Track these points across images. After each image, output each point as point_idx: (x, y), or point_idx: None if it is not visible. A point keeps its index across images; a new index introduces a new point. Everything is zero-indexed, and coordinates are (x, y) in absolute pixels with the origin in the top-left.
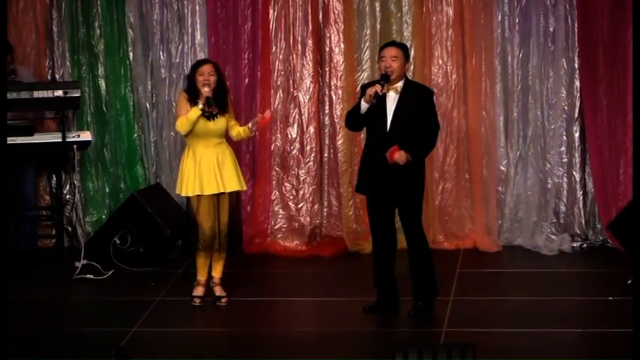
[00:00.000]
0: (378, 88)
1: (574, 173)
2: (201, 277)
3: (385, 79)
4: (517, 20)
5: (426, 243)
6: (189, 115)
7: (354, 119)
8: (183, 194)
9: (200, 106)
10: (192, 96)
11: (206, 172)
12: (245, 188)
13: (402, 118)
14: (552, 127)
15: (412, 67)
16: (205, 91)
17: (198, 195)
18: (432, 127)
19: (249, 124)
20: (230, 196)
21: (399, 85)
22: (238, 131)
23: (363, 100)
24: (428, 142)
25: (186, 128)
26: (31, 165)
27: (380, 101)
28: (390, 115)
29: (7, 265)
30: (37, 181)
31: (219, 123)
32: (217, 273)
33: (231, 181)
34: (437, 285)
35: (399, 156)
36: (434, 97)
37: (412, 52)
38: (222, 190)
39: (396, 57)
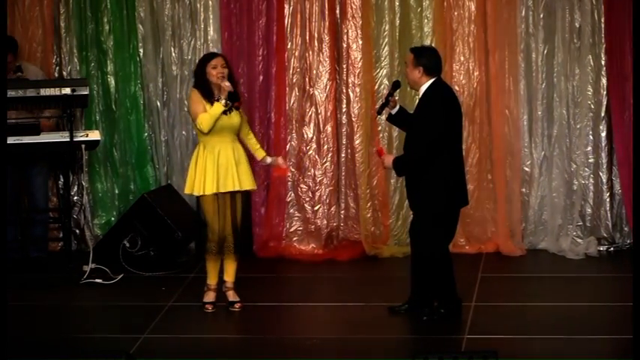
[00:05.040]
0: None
1: (600, 174)
2: (212, 281)
3: (394, 86)
4: (541, 15)
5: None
6: (212, 112)
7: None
8: (200, 193)
9: (223, 101)
10: (205, 91)
11: (224, 169)
12: (256, 187)
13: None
14: (578, 126)
15: None
16: (227, 85)
17: (214, 193)
18: (416, 139)
19: (268, 159)
20: (243, 196)
21: (421, 90)
22: (253, 143)
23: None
24: (405, 157)
25: (210, 125)
26: (41, 167)
27: None
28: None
29: (6, 268)
30: (47, 184)
31: (235, 117)
32: (230, 277)
33: (246, 179)
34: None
35: (385, 160)
36: (439, 106)
37: None
38: (237, 188)
39: (405, 62)
